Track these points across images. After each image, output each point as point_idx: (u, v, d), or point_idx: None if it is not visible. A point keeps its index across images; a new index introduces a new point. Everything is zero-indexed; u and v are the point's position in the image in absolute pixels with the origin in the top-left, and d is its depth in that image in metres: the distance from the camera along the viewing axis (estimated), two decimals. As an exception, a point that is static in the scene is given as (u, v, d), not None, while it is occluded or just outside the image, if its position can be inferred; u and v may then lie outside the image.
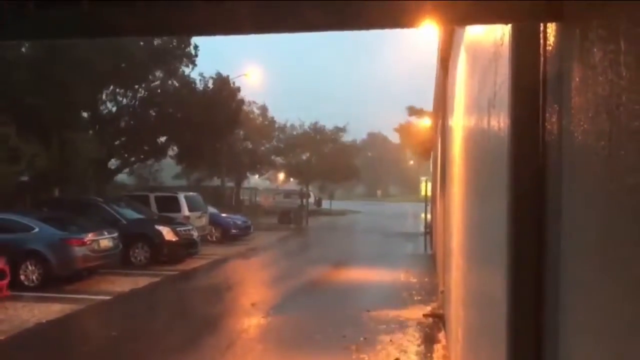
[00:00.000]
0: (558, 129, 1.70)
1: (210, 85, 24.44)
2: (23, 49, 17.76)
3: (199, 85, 23.97)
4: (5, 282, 10.11)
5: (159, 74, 22.57)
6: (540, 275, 1.90)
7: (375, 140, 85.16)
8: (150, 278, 13.50)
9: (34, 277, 11.83)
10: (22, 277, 11.68)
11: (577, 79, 1.52)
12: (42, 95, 16.78)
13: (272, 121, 42.22)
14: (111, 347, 8.17)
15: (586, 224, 1.48)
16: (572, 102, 1.55)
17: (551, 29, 1.79)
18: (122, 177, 27.77)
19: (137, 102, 22.58)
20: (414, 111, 26.06)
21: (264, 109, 41.14)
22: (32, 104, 16.63)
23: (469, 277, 4.37)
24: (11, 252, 10.91)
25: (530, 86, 1.92)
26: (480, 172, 3.56)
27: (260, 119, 40.71)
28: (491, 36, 2.90)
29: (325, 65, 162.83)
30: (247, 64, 49.49)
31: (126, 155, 24.02)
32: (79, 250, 12.16)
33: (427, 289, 12.10)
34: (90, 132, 20.78)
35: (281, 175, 49.77)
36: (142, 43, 20.75)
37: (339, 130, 45.05)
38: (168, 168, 31.58)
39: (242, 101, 26.49)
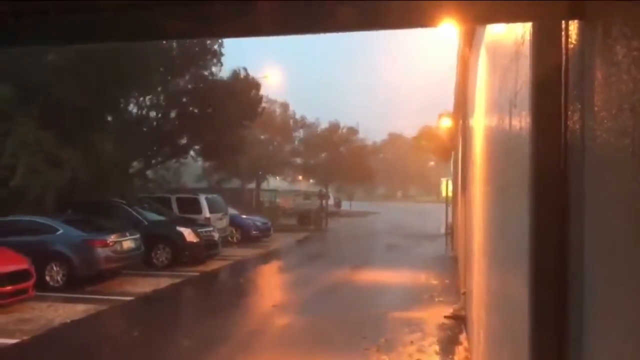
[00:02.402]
0: (580, 127, 1.68)
1: (226, 77, 24.53)
2: (50, 57, 18.10)
3: (217, 77, 24.09)
4: (31, 282, 10.29)
5: (181, 78, 22.78)
6: (563, 277, 1.87)
7: (395, 140, 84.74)
8: (172, 279, 13.64)
9: (58, 278, 12.05)
10: (47, 278, 11.90)
11: (600, 77, 1.49)
12: (69, 97, 17.06)
13: (295, 120, 42.10)
14: (134, 347, 8.28)
15: (610, 224, 1.45)
16: (595, 100, 1.53)
17: (573, 26, 1.77)
18: (145, 178, 28.07)
19: (160, 103, 22.83)
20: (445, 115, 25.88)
21: (285, 106, 41.10)
22: (58, 106, 16.91)
23: (490, 279, 4.32)
24: (36, 254, 11.10)
25: (551, 84, 1.89)
26: (502, 172, 3.53)
27: (281, 118, 40.68)
28: (512, 35, 2.87)
29: (345, 66, 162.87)
30: (266, 65, 49.66)
31: (148, 158, 24.29)
32: (102, 252, 12.34)
33: (448, 290, 12.00)
34: (114, 134, 21.05)
35: (300, 177, 49.84)
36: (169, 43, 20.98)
37: (352, 131, 44.90)
38: (189, 170, 31.86)
39: (259, 90, 26.43)
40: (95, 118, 18.97)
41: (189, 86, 22.98)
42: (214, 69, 23.15)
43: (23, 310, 9.84)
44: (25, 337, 8.36)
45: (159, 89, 22.34)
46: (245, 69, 25.15)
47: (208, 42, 22.24)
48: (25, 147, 15.08)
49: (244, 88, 24.09)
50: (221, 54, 22.84)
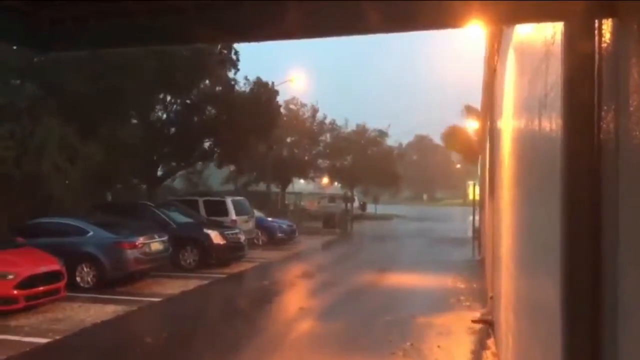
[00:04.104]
0: (615, 128, 1.65)
1: (249, 88, 24.77)
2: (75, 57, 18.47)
3: (242, 87, 24.35)
4: (62, 283, 10.52)
5: (205, 81, 23.03)
6: (597, 281, 1.84)
7: (421, 143, 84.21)
8: (199, 281, 13.77)
9: (88, 279, 12.27)
10: (78, 279, 12.14)
11: (636, 76, 1.46)
12: (96, 99, 17.38)
13: (322, 122, 42.03)
14: (163, 347, 8.38)
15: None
16: (630, 99, 1.50)
17: (606, 25, 1.74)
18: (172, 181, 28.48)
19: (184, 108, 23.12)
20: (470, 110, 25.65)
21: (314, 109, 41.06)
22: (86, 106, 17.22)
23: (519, 283, 4.26)
24: (68, 255, 11.34)
25: (583, 84, 1.86)
26: (531, 174, 3.48)
27: (310, 120, 40.64)
28: (541, 35, 2.83)
29: (372, 68, 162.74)
30: (293, 68, 49.73)
31: (174, 163, 24.62)
32: (131, 253, 12.53)
33: (476, 294, 11.86)
34: (140, 137, 21.39)
35: (325, 180, 49.80)
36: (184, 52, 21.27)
37: (382, 133, 44.65)
38: (216, 173, 32.18)
39: (277, 103, 26.66)
40: (120, 120, 19.26)
41: (214, 92, 23.20)
42: (232, 74, 23.42)
43: (55, 310, 10.06)
44: (57, 337, 8.54)
45: (194, 91, 22.63)
46: (261, 79, 25.41)
47: (224, 48, 22.47)
48: (52, 159, 15.45)
49: (265, 99, 24.30)
50: (237, 60, 23.05)
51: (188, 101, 23.03)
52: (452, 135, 30.96)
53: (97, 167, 16.48)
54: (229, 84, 23.51)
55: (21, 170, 15.10)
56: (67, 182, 15.61)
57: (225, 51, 22.61)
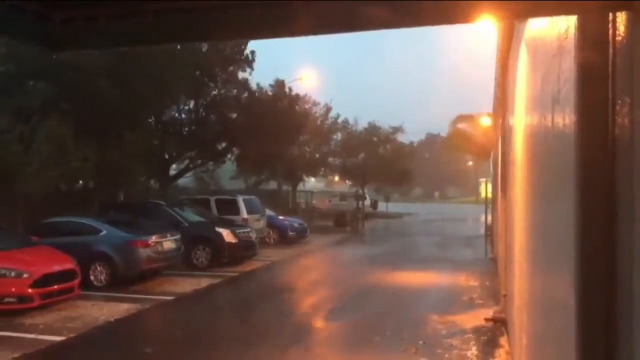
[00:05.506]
0: (629, 121, 1.62)
1: (269, 92, 24.83)
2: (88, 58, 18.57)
3: (259, 91, 24.42)
4: (76, 282, 10.61)
5: (220, 82, 23.12)
6: (612, 279, 1.82)
7: (433, 141, 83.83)
8: (211, 279, 13.83)
9: (102, 278, 12.37)
10: (92, 278, 12.23)
11: (651, 70, 1.44)
12: (108, 100, 17.48)
13: (335, 121, 41.90)
14: (176, 345, 8.43)
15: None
16: (646, 93, 1.48)
17: (621, 18, 1.71)
18: (184, 180, 28.63)
19: (201, 109, 23.21)
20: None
21: (327, 108, 40.94)
22: (95, 108, 17.30)
23: (533, 281, 4.23)
24: (81, 254, 11.43)
25: (598, 79, 1.84)
26: (544, 171, 3.44)
27: (320, 119, 40.56)
28: (554, 30, 2.80)
29: (382, 67, 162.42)
30: (301, 66, 49.60)
31: (187, 161, 24.74)
32: (143, 252, 12.59)
33: (489, 292, 11.79)
34: (153, 137, 21.50)
35: (336, 178, 49.71)
36: (204, 50, 21.32)
37: (396, 129, 44.44)
38: (224, 169, 32.26)
39: (303, 108, 26.81)
40: (131, 120, 19.32)
41: (231, 94, 23.28)
42: (247, 75, 23.49)
43: (69, 309, 10.15)
44: (71, 335, 8.62)
45: (208, 91, 22.74)
46: (289, 87, 25.45)
47: (242, 46, 22.52)
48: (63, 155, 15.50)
49: (285, 100, 24.39)
50: (253, 60, 23.09)
51: (204, 102, 23.11)
52: (455, 139, 30.98)
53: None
54: (247, 87, 23.58)
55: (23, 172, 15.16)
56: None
57: (241, 50, 22.63)
